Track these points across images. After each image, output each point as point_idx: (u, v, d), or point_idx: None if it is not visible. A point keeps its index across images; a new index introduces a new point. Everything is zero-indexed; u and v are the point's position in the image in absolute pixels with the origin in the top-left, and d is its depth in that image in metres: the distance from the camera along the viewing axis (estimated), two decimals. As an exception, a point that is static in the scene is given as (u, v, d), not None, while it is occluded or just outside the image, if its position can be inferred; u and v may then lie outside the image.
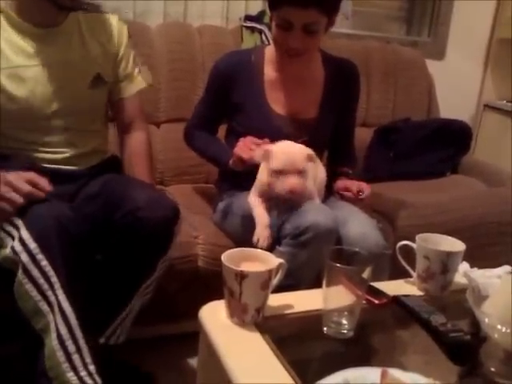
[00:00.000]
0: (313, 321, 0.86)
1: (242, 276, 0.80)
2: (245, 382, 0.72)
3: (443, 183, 2.10)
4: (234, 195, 1.40)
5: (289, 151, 1.20)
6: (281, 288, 0.89)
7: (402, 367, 0.74)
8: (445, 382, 0.73)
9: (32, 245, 0.96)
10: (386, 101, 2.27)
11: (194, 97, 1.81)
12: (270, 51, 1.42)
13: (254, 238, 1.22)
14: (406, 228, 1.59)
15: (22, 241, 0.97)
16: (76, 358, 0.96)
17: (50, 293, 0.96)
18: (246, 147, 1.24)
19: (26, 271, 0.96)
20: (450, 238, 1.03)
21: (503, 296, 0.81)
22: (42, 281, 0.96)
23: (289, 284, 0.92)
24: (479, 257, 1.12)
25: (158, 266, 1.11)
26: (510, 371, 0.76)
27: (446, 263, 0.98)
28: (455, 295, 0.99)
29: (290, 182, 1.18)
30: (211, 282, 1.30)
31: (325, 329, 0.85)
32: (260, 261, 0.87)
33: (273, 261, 0.86)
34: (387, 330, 0.91)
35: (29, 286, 0.96)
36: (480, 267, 1.05)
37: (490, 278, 0.99)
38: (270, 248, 1.20)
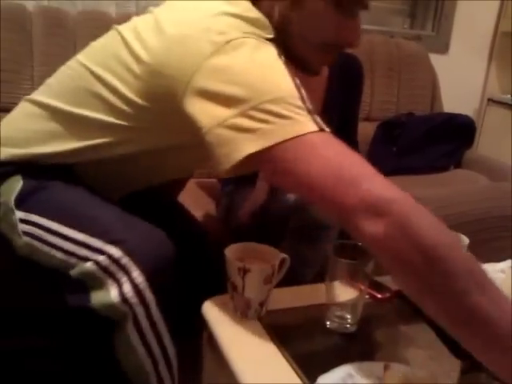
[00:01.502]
0: (316, 315, 0.86)
1: (245, 270, 0.80)
2: (248, 376, 0.72)
3: (446, 178, 2.10)
4: (238, 190, 1.40)
5: None
6: (284, 282, 0.89)
7: (405, 362, 0.75)
8: (448, 376, 0.73)
9: (149, 295, 0.76)
10: (389, 95, 2.26)
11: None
12: None
13: (242, 212, 1.25)
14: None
15: (136, 288, 0.75)
16: None
17: (155, 345, 0.80)
18: None
19: (137, 324, 0.77)
20: (453, 232, 1.03)
21: (506, 290, 0.81)
22: (150, 334, 0.79)
23: (292, 278, 0.92)
24: (483, 251, 1.11)
25: None
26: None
27: (449, 258, 0.98)
28: (458, 290, 0.99)
29: None
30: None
31: (328, 323, 0.85)
32: (264, 255, 0.87)
33: (276, 255, 0.86)
34: (390, 325, 0.90)
35: (136, 341, 0.78)
36: (483, 262, 1.05)
37: (494, 273, 0.99)
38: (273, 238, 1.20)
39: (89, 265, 0.76)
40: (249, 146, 0.70)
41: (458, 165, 2.24)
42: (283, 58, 0.79)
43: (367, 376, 0.71)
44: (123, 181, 0.97)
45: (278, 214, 1.24)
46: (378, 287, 0.96)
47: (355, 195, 0.65)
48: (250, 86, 0.72)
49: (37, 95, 0.92)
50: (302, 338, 0.84)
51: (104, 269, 0.75)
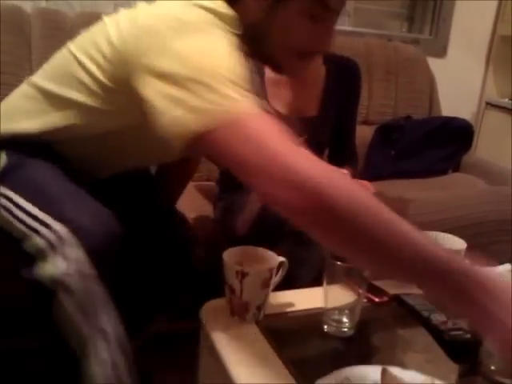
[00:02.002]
0: (313, 319, 0.87)
1: (242, 274, 0.80)
2: (245, 380, 0.72)
3: (444, 181, 2.10)
4: (235, 193, 1.40)
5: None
6: (281, 286, 0.89)
7: (403, 365, 0.74)
8: (445, 380, 0.73)
9: (87, 269, 0.82)
10: (387, 98, 2.27)
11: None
12: None
13: (238, 223, 1.27)
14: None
15: (76, 262, 0.81)
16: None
17: (93, 316, 0.84)
18: None
19: (73, 295, 0.82)
20: (451, 236, 1.03)
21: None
22: (87, 304, 0.84)
23: (289, 282, 0.92)
24: (480, 255, 1.11)
25: None
26: (510, 369, 0.76)
27: (446, 261, 0.98)
28: (456, 294, 0.99)
29: None
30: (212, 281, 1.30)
31: (325, 327, 0.85)
32: (261, 258, 0.87)
33: (274, 259, 0.86)
34: (388, 329, 0.91)
35: (73, 311, 0.83)
36: (481, 265, 1.05)
37: (491, 277, 0.99)
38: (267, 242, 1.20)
39: (38, 239, 0.82)
40: (192, 125, 0.74)
41: (456, 168, 2.24)
42: (247, 52, 0.85)
43: (364, 380, 0.71)
44: (99, 160, 1.02)
45: (275, 218, 1.24)
46: (376, 291, 0.96)
47: (280, 171, 0.70)
48: (197, 66, 0.76)
49: (34, 77, 0.99)
50: (299, 342, 0.84)
51: (50, 244, 0.82)
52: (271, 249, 0.90)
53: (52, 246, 0.82)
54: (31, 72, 1.66)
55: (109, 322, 0.85)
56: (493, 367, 0.79)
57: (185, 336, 1.22)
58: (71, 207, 0.86)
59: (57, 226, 0.83)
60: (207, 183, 1.79)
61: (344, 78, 1.43)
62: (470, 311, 0.64)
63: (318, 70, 1.42)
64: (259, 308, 0.84)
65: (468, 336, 0.83)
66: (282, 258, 0.86)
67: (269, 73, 1.39)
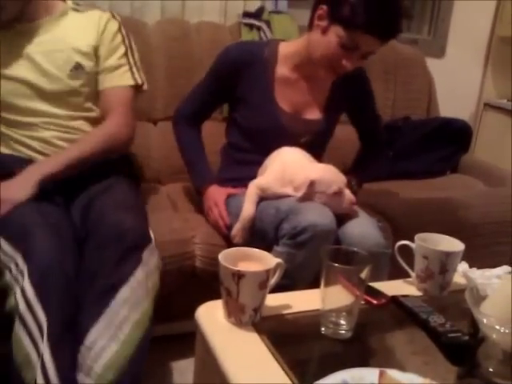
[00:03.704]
0: (311, 321, 0.86)
1: (239, 276, 0.79)
2: (242, 383, 0.71)
3: (443, 182, 2.10)
4: (230, 195, 1.39)
5: (331, 172, 1.26)
6: (277, 288, 0.88)
7: (401, 368, 0.74)
8: (443, 382, 0.73)
9: (30, 294, 0.93)
10: (385, 99, 2.25)
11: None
12: (284, 48, 1.40)
13: (233, 231, 1.28)
14: (405, 227, 1.59)
15: (22, 290, 0.94)
16: None
17: (40, 341, 0.91)
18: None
19: (22, 319, 0.93)
20: (449, 237, 1.03)
21: (502, 296, 0.81)
22: (35, 329, 0.92)
23: (286, 284, 0.91)
24: (478, 257, 1.11)
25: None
26: (508, 371, 0.75)
27: (444, 263, 0.97)
28: (454, 295, 0.99)
29: (352, 196, 1.25)
30: (208, 282, 1.29)
31: (323, 329, 0.84)
32: (257, 260, 0.86)
33: (270, 260, 0.85)
34: (385, 331, 0.90)
35: (22, 334, 0.92)
36: (479, 267, 1.05)
37: (489, 278, 0.99)
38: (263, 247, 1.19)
39: (8, 276, 0.98)
40: None
41: (455, 170, 2.23)
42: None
43: (362, 382, 0.70)
44: None
45: (271, 221, 1.24)
46: (374, 293, 0.95)
47: None
48: None
49: None
50: (296, 345, 0.83)
51: (13, 276, 0.97)
52: (267, 251, 0.89)
53: (17, 281, 0.95)
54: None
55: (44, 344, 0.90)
56: (491, 369, 0.78)
57: (180, 337, 1.22)
58: (35, 245, 0.97)
59: (20, 260, 0.96)
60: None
61: (350, 85, 1.43)
62: None
63: (325, 77, 1.41)
64: (256, 310, 0.83)
65: (466, 338, 0.82)
66: (278, 260, 0.86)
67: (279, 72, 1.38)
